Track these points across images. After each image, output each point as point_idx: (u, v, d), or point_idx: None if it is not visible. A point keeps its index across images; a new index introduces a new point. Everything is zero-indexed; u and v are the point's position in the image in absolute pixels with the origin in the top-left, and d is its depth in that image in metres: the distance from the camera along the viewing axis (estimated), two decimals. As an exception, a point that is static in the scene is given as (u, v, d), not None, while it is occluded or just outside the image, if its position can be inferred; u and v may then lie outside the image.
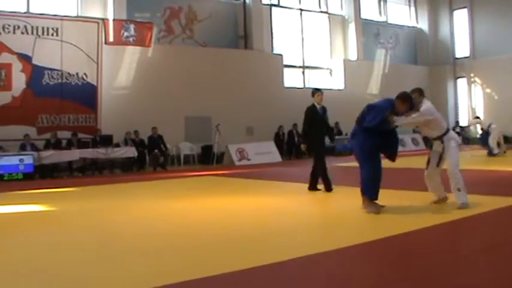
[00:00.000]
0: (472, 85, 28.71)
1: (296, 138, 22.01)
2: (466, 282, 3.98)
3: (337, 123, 23.78)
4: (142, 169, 18.13)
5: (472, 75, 28.65)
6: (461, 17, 29.53)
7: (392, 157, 7.12)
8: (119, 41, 18.78)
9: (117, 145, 17.66)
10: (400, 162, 13.18)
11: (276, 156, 20.30)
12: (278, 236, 6.08)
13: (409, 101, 6.80)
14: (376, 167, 6.85)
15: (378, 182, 6.83)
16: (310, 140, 9.98)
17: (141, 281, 4.23)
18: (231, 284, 4.20)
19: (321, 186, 9.90)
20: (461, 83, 29.52)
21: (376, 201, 6.88)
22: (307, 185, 10.09)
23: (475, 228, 6.10)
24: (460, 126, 27.11)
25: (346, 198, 8.63)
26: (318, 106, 9.94)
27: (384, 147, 7.03)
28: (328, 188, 9.81)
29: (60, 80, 17.82)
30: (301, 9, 25.58)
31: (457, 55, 29.80)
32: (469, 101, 28.55)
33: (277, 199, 9.50)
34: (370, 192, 6.76)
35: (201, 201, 9.58)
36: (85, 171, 17.25)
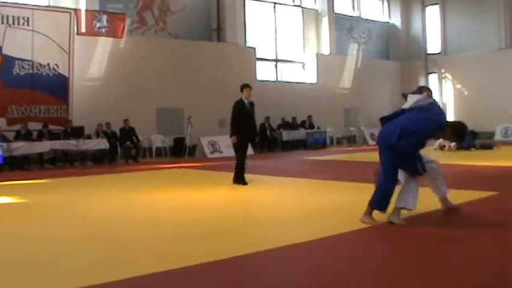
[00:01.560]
0: (443, 81, 29.25)
1: (268, 132, 22.14)
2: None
3: (309, 117, 24.01)
4: (114, 161, 18.02)
5: (443, 71, 29.17)
6: (433, 13, 29.97)
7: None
8: (91, 32, 18.60)
9: (89, 137, 17.50)
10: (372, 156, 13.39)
11: (248, 149, 20.32)
12: (249, 228, 6.22)
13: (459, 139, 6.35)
14: (395, 181, 6.24)
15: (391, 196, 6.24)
16: (239, 134, 10.26)
17: (118, 272, 4.31)
18: (203, 275, 4.30)
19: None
20: (433, 78, 29.93)
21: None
22: (278, 178, 10.27)
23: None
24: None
25: (325, 191, 8.77)
26: (246, 101, 10.19)
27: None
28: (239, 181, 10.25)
29: (31, 71, 17.57)
30: (275, 3, 25.66)
31: (429, 51, 30.20)
32: (440, 97, 28.99)
33: (248, 191, 9.61)
34: (382, 204, 6.11)
35: (174, 193, 9.65)
36: (56, 163, 17.08)
